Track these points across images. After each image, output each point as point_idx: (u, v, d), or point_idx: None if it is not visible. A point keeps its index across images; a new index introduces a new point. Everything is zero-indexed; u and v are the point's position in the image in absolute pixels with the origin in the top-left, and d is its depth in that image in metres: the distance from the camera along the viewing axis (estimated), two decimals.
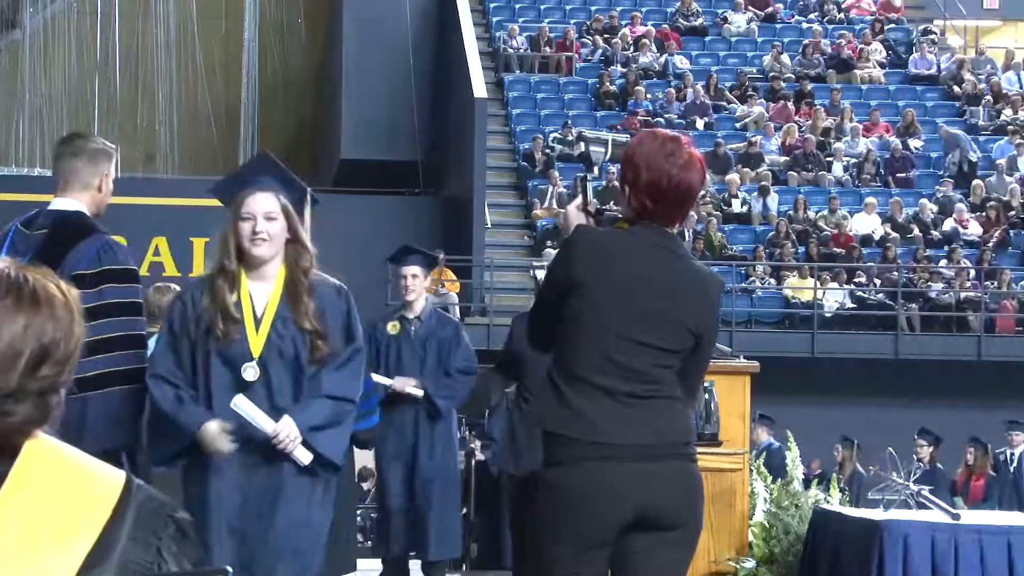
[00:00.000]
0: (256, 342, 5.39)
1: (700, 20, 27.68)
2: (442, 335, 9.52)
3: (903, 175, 24.22)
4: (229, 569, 2.21)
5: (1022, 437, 16.89)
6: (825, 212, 23.25)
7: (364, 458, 12.88)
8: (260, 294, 5.43)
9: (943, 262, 22.44)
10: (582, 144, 22.65)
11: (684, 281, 4.46)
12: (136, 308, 5.45)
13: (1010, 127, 25.08)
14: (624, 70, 25.79)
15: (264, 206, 5.40)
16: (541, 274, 5.49)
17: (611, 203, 20.02)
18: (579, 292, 4.40)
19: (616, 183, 4.66)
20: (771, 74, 26.23)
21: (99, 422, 5.30)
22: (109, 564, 2.09)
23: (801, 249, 22.64)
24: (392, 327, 9.56)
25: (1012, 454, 16.72)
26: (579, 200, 4.69)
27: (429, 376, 9.43)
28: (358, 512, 17.96)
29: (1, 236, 5.49)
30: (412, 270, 9.53)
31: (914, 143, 24.88)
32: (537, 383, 7.96)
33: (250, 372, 5.37)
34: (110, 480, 2.15)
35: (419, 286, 9.56)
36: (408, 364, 9.49)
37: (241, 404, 5.31)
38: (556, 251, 4.66)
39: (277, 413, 5.35)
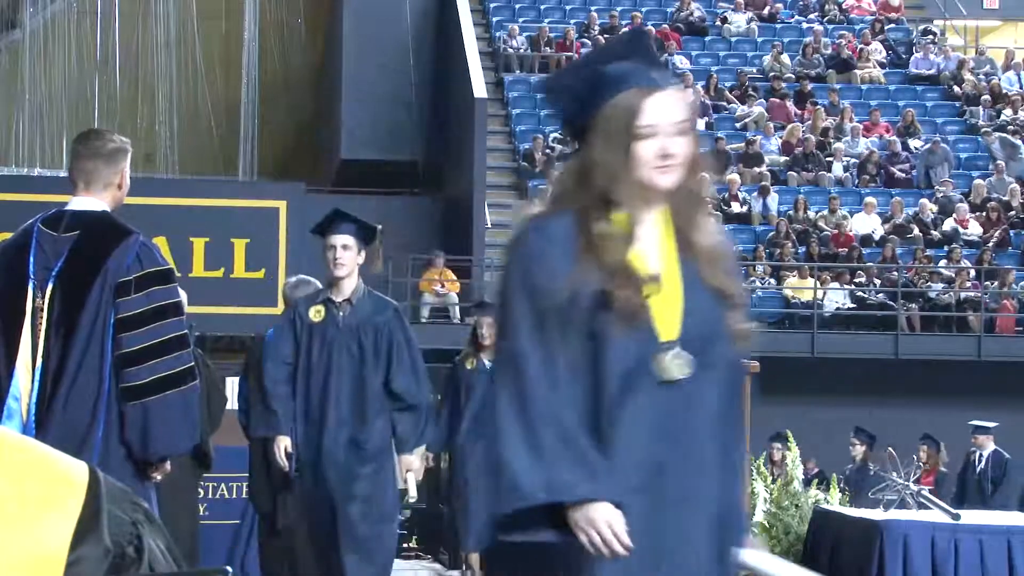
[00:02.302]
0: (670, 316, 3.45)
1: (700, 19, 27.67)
2: (379, 321, 7.68)
3: (903, 175, 24.22)
4: (229, 569, 2.22)
5: (988, 438, 16.99)
6: (825, 212, 23.25)
7: None
8: (644, 245, 3.52)
9: (943, 262, 22.44)
10: None
11: None
12: (180, 308, 5.40)
13: (1010, 127, 25.08)
14: None
15: (675, 114, 3.48)
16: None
17: None
18: None
19: None
20: (771, 74, 26.24)
21: (162, 427, 5.26)
22: (100, 535, 2.11)
23: (801, 249, 22.64)
24: (315, 313, 7.70)
25: (981, 454, 16.83)
26: None
27: (370, 379, 7.62)
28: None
29: (21, 236, 5.44)
30: (343, 239, 7.68)
31: (914, 143, 24.87)
32: None
33: (677, 365, 3.42)
34: (76, 464, 2.18)
35: (351, 260, 7.68)
36: (337, 361, 7.65)
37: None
38: None
39: (718, 447, 3.48)
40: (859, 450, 16.29)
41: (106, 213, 5.37)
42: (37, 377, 5.19)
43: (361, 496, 7.42)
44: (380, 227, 7.88)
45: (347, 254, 7.61)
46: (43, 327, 5.21)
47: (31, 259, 5.30)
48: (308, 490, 7.53)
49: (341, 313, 7.65)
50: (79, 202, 5.39)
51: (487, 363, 10.77)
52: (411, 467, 7.63)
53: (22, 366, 5.20)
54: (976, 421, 17.07)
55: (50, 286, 5.25)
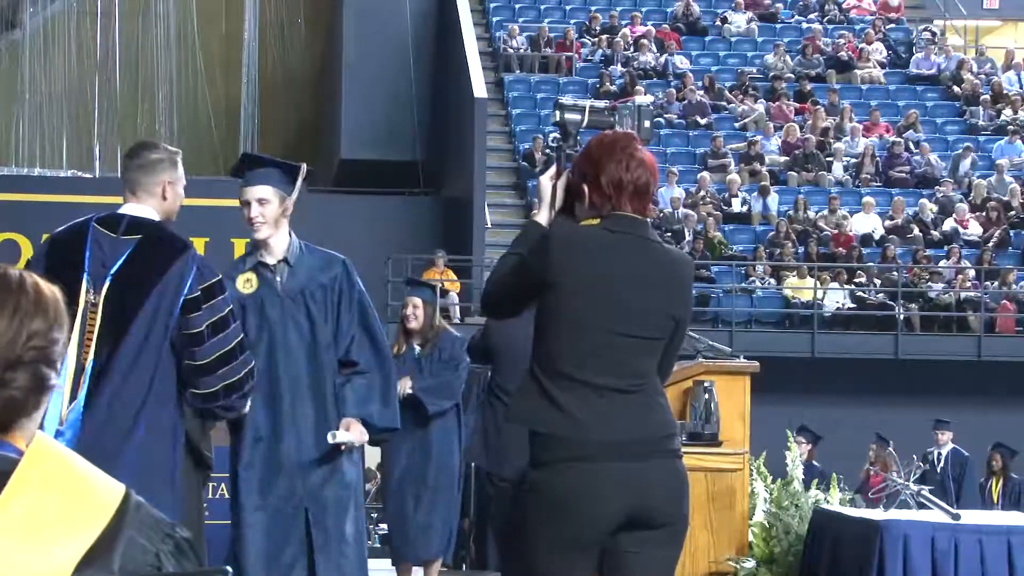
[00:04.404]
0: None
1: (700, 20, 27.68)
2: (325, 280, 6.21)
3: (903, 175, 24.22)
4: (229, 569, 2.21)
5: (948, 436, 16.91)
6: (825, 212, 23.25)
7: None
8: None
9: (943, 262, 22.44)
10: (557, 112, 22.59)
11: (661, 269, 4.49)
12: (234, 312, 5.58)
13: (1010, 127, 25.08)
14: (624, 70, 25.80)
15: None
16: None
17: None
18: (557, 290, 4.40)
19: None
20: (772, 74, 26.23)
21: (221, 413, 5.62)
22: (109, 562, 2.10)
23: (801, 249, 22.64)
24: (244, 283, 6.21)
25: (939, 453, 16.74)
26: (552, 170, 4.69)
27: (324, 352, 6.19)
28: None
29: (71, 232, 5.49)
30: (257, 192, 6.14)
31: (914, 142, 24.87)
32: (510, 379, 8.04)
33: None
34: (111, 489, 2.17)
35: (271, 215, 6.14)
36: (282, 337, 6.16)
37: None
38: (528, 230, 4.67)
39: None
40: (803, 449, 16.31)
41: (162, 224, 5.53)
42: (87, 371, 5.27)
43: (328, 495, 6.15)
44: (304, 165, 6.29)
45: (266, 208, 6.12)
46: (97, 323, 5.32)
47: (87, 253, 5.39)
48: (264, 492, 6.16)
49: (278, 277, 6.18)
50: (131, 208, 5.53)
51: (416, 348, 9.59)
52: (348, 427, 6.12)
53: (69, 357, 5.28)
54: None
55: (106, 284, 5.36)
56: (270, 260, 6.17)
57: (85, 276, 5.36)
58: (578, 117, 4.85)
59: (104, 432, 5.17)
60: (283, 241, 6.17)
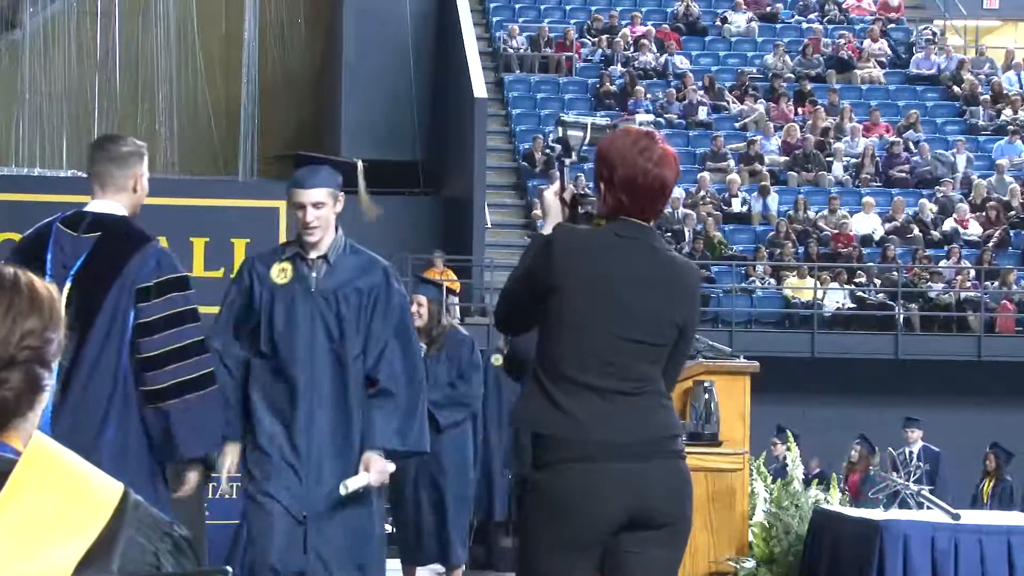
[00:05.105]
0: None
1: (700, 20, 27.68)
2: (363, 286, 5.89)
3: (903, 175, 24.22)
4: (229, 569, 2.21)
5: (918, 434, 16.86)
6: (825, 212, 23.25)
7: None
8: None
9: (943, 262, 22.44)
10: (560, 129, 22.62)
11: (665, 275, 4.48)
12: (197, 314, 5.44)
13: (1010, 127, 25.08)
14: (624, 70, 25.80)
15: None
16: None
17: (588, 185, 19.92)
18: (560, 293, 4.40)
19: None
20: (772, 74, 26.24)
21: (184, 430, 5.31)
22: (108, 562, 2.09)
23: (801, 249, 22.64)
24: (278, 272, 5.90)
25: (910, 451, 16.63)
26: (556, 185, 4.69)
27: (352, 360, 5.86)
28: None
29: (38, 234, 5.45)
30: (313, 196, 5.83)
31: (913, 141, 24.87)
32: None
33: None
34: (109, 488, 2.15)
35: (325, 217, 5.86)
36: (308, 336, 5.84)
37: None
38: (533, 240, 4.67)
39: None
40: (780, 449, 16.24)
41: (125, 218, 5.43)
42: (54, 373, 5.23)
43: (343, 513, 5.83)
44: (359, 161, 6.04)
45: (322, 212, 5.82)
46: None
47: (48, 256, 5.34)
48: (271, 504, 5.85)
49: (315, 273, 5.86)
50: (97, 204, 5.45)
51: (422, 347, 9.32)
52: (368, 465, 5.79)
53: None
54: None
55: (67, 285, 5.28)
56: (312, 254, 5.85)
57: (47, 278, 5.33)
58: (580, 134, 4.85)
59: (74, 433, 5.07)
60: (328, 238, 5.86)
